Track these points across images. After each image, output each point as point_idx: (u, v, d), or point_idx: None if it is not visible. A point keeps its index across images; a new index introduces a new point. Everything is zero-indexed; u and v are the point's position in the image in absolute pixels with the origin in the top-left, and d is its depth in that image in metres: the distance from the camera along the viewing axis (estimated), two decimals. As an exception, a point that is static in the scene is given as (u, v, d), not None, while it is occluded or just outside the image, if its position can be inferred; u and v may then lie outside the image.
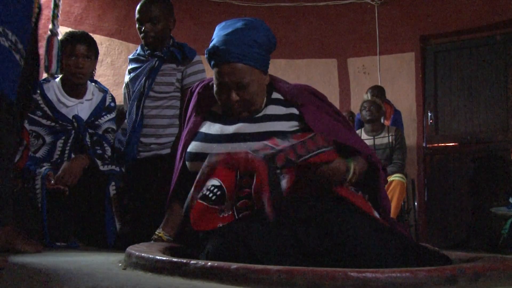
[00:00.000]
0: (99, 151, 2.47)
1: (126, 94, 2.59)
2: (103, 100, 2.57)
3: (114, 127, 2.62)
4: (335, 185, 1.45)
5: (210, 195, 1.36)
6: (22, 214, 2.10)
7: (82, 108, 2.49)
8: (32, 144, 2.38)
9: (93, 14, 5.15)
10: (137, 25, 2.48)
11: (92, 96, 2.55)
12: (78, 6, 5.08)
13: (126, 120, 2.59)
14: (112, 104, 2.62)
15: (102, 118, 2.53)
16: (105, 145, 2.51)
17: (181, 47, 2.50)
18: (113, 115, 2.61)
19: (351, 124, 1.66)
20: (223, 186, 1.36)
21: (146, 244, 1.48)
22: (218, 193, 1.35)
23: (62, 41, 2.40)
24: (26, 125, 2.34)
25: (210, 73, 1.70)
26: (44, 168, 2.28)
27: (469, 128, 5.05)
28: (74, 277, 1.09)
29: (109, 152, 2.52)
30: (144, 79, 2.45)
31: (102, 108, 2.55)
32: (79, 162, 2.35)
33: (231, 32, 1.51)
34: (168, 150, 2.48)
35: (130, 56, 2.66)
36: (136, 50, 2.63)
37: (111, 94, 2.66)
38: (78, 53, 2.43)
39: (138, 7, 2.46)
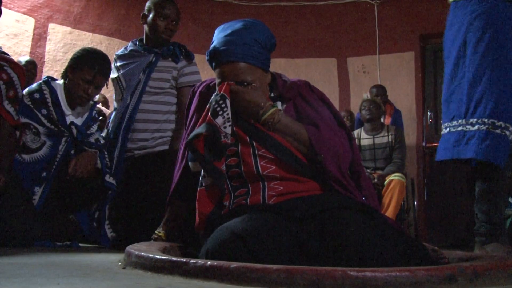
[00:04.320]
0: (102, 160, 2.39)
1: (118, 89, 2.59)
2: (92, 110, 2.52)
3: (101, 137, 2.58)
4: (248, 115, 1.51)
5: (216, 106, 1.45)
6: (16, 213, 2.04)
7: (75, 117, 2.42)
8: (32, 140, 2.29)
9: (92, 13, 5.15)
10: (154, 19, 2.49)
11: (84, 107, 2.48)
12: (78, 6, 5.08)
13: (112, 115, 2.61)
14: (96, 116, 2.57)
15: (92, 128, 2.48)
16: (105, 154, 2.44)
17: (183, 46, 2.57)
18: (96, 125, 2.56)
19: (347, 126, 1.65)
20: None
21: (145, 244, 1.48)
22: (223, 104, 1.45)
23: (78, 57, 2.33)
24: (24, 119, 2.24)
25: (205, 75, 1.71)
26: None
27: (469, 127, 5.03)
28: (74, 277, 1.09)
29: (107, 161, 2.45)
30: (141, 73, 2.48)
31: (90, 118, 2.49)
32: (91, 157, 2.33)
33: (231, 33, 1.52)
34: (163, 147, 2.49)
35: (118, 53, 2.65)
36: (126, 47, 2.64)
37: (97, 106, 2.61)
38: (95, 83, 2.36)
39: (161, 3, 2.49)
